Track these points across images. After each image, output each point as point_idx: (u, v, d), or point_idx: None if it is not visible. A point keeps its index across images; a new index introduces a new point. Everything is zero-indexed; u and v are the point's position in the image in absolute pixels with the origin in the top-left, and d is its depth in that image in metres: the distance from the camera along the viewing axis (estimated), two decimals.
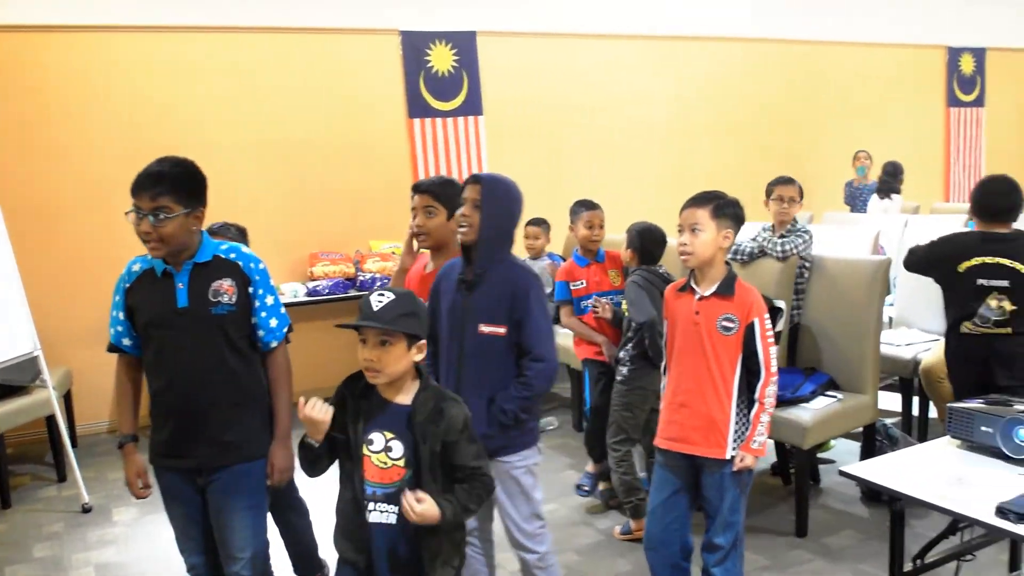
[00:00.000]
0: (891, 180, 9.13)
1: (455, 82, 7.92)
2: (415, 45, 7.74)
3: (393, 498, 2.50)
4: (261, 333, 3.00)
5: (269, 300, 3.00)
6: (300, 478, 3.01)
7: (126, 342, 3.01)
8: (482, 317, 3.06)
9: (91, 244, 6.54)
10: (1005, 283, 4.02)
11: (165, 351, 2.91)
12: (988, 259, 4.05)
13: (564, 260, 5.83)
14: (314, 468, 2.61)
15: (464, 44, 7.93)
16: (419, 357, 2.56)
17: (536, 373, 3.05)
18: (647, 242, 4.47)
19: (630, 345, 4.35)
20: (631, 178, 8.76)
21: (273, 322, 3.01)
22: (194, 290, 2.88)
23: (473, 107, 8.00)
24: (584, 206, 4.96)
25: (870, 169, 9.45)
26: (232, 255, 2.97)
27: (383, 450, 2.52)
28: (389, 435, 2.53)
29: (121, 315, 2.97)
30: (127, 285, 2.96)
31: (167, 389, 2.93)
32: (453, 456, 2.53)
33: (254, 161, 7.10)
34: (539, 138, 8.37)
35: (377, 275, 7.07)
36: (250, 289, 2.96)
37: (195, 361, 2.89)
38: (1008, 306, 4.02)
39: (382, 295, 2.50)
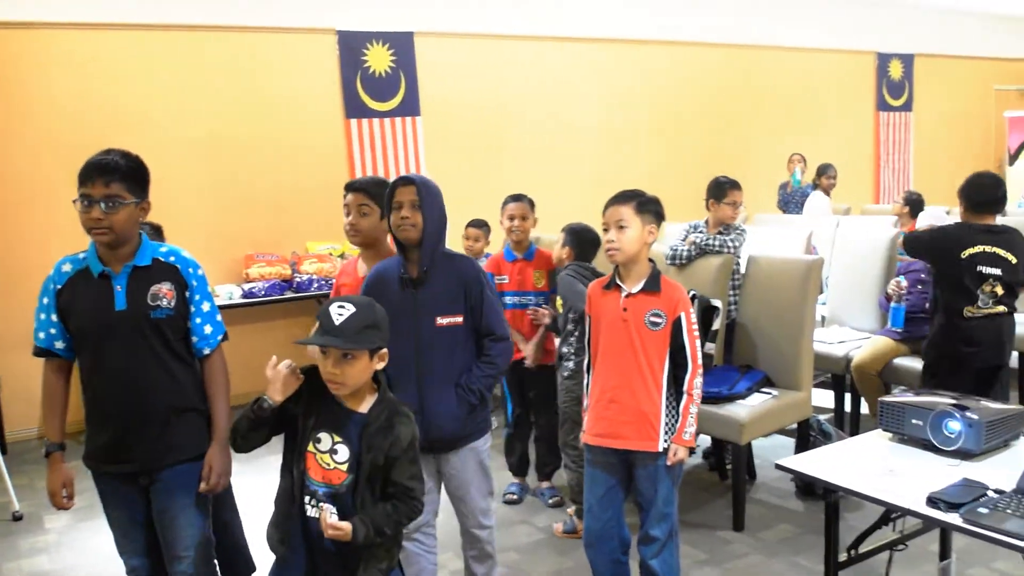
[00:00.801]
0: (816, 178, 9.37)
1: (392, 82, 7.90)
2: (352, 45, 7.70)
3: (337, 499, 2.48)
4: (195, 339, 2.96)
5: (205, 307, 2.96)
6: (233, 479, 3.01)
7: (59, 345, 2.91)
8: (437, 310, 3.16)
9: (19, 246, 6.39)
10: (998, 271, 4.35)
11: (103, 355, 2.84)
12: (988, 248, 4.36)
13: None
14: (253, 434, 2.54)
15: (401, 44, 7.91)
16: (380, 366, 2.55)
17: (499, 352, 3.25)
18: (584, 242, 4.50)
19: (572, 339, 4.37)
20: (568, 178, 8.81)
21: (207, 329, 2.97)
22: (132, 293, 2.82)
23: (410, 108, 7.98)
24: (510, 198, 5.01)
25: (804, 172, 9.61)
26: (171, 258, 2.93)
27: (328, 451, 2.50)
28: (337, 438, 2.50)
29: (54, 317, 2.88)
30: (58, 286, 2.87)
31: (106, 393, 2.87)
32: (391, 471, 2.50)
33: (189, 160, 6.99)
34: (477, 139, 8.38)
35: (314, 276, 7.01)
36: (187, 294, 2.92)
37: (133, 365, 2.84)
38: (999, 291, 4.37)
39: (342, 307, 2.47)
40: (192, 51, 7.03)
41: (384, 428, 2.50)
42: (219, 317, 3.02)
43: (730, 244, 4.91)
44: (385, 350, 2.55)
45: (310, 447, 2.51)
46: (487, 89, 8.47)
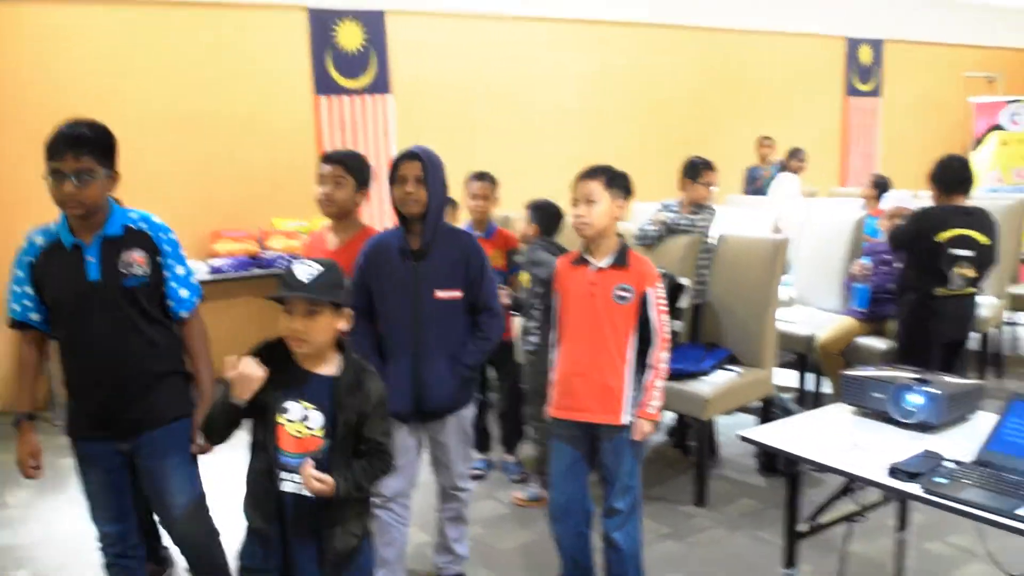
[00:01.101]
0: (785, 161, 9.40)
1: (363, 60, 7.84)
2: (322, 22, 7.63)
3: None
4: (171, 304, 2.96)
5: (179, 270, 2.96)
6: None
7: (34, 317, 2.91)
8: (437, 283, 3.22)
9: None
10: (971, 253, 4.53)
11: (79, 326, 2.84)
12: (960, 231, 4.53)
13: None
14: (227, 432, 2.54)
15: (372, 22, 7.84)
16: (343, 326, 2.56)
17: (493, 326, 3.35)
18: (548, 216, 4.53)
19: (536, 312, 4.38)
20: (541, 159, 8.77)
21: (183, 292, 2.97)
22: (105, 263, 2.81)
23: (381, 86, 7.92)
24: (473, 177, 5.02)
25: (774, 155, 9.63)
26: (143, 224, 2.91)
27: (300, 419, 2.49)
28: (308, 405, 2.50)
29: (29, 289, 2.88)
30: (31, 259, 2.86)
31: (86, 364, 2.87)
32: (363, 427, 2.52)
33: (157, 137, 6.90)
34: (448, 118, 8.32)
35: (281, 253, 6.96)
36: (159, 259, 2.91)
37: (111, 335, 2.83)
38: (971, 273, 4.55)
39: (309, 265, 2.49)
40: (161, 26, 6.93)
41: (353, 386, 2.52)
42: (195, 279, 3.02)
43: (700, 224, 4.93)
44: (349, 311, 2.57)
45: (279, 418, 2.50)
46: (459, 68, 8.42)
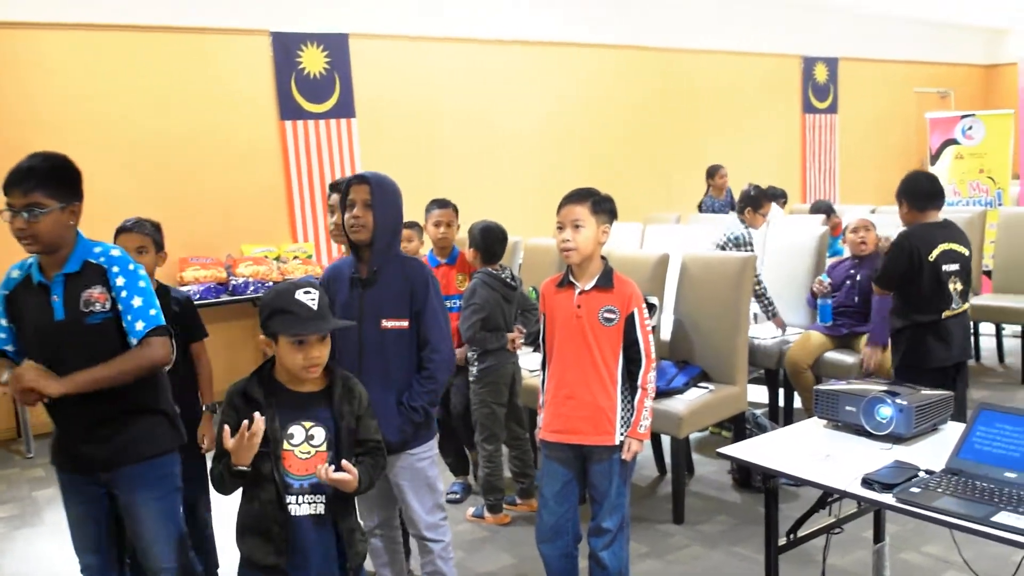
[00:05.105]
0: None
1: (327, 84, 7.87)
2: (286, 46, 7.66)
3: (319, 487, 2.54)
4: (130, 337, 2.85)
5: (135, 302, 2.84)
6: None
7: (9, 348, 2.93)
8: (383, 312, 3.12)
9: None
10: (957, 266, 4.42)
11: (49, 363, 2.79)
12: (945, 245, 4.41)
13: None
14: (234, 488, 2.57)
15: (336, 46, 7.88)
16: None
17: (437, 364, 3.16)
18: (489, 240, 4.59)
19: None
20: (503, 182, 8.86)
21: (139, 325, 2.84)
22: (68, 302, 2.80)
23: (345, 109, 7.96)
24: (435, 204, 5.02)
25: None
26: (101, 259, 2.86)
27: (304, 440, 2.54)
28: (308, 424, 2.56)
29: (4, 322, 2.90)
30: (7, 292, 2.89)
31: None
32: (359, 430, 2.61)
33: (120, 163, 6.87)
34: (413, 141, 8.37)
35: (250, 279, 6.93)
36: (112, 294, 2.85)
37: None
38: (959, 287, 4.43)
39: (308, 292, 2.54)
40: (124, 52, 6.92)
41: (346, 393, 2.61)
42: (153, 312, 2.88)
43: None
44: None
45: (286, 446, 2.54)
46: (422, 91, 8.48)
